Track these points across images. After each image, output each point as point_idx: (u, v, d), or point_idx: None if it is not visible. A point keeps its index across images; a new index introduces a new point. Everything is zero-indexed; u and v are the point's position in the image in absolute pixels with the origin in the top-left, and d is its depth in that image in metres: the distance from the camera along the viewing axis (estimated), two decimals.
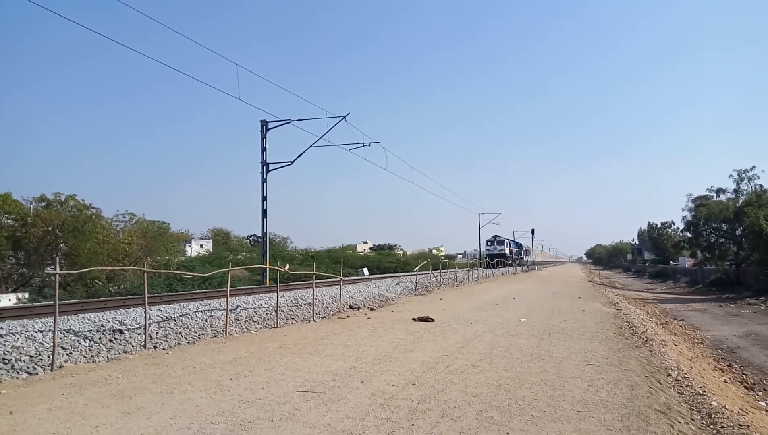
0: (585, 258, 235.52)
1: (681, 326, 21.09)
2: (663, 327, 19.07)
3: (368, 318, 15.05)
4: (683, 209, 46.17)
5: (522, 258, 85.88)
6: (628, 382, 7.52)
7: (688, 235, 47.50)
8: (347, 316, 15.48)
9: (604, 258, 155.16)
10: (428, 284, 28.26)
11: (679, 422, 6.17)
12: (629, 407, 6.28)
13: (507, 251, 70.87)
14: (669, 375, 8.97)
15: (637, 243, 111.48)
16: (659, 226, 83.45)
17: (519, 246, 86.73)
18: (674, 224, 74.29)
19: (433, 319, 14.18)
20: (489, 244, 70.91)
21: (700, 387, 8.97)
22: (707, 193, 44.73)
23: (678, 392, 7.95)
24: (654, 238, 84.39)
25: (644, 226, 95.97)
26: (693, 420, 6.62)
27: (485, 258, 62.26)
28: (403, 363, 8.65)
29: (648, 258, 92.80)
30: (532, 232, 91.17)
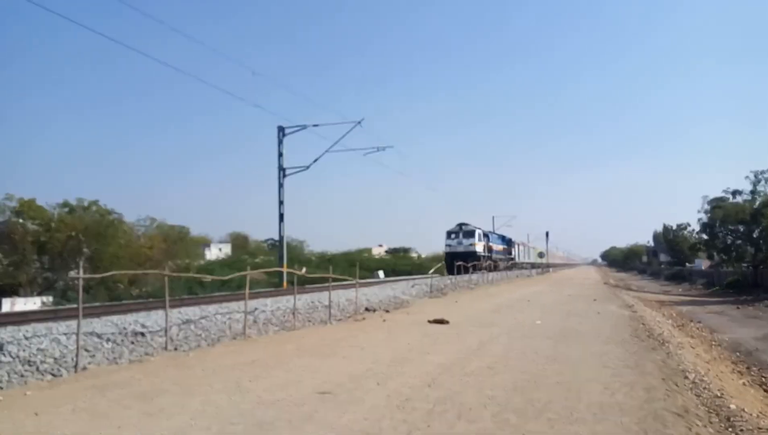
0: (600, 260, 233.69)
1: (698, 328, 20.83)
2: (679, 329, 18.88)
3: (384, 320, 15.11)
4: (699, 211, 45.60)
5: (512, 258, 63.44)
6: (644, 385, 7.50)
7: (704, 236, 46.97)
8: (363, 319, 15.55)
9: (619, 260, 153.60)
10: (443, 286, 28.23)
11: (697, 425, 6.14)
12: (646, 410, 6.27)
13: (479, 248, 45.44)
14: (686, 377, 8.90)
15: (653, 245, 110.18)
16: (675, 228, 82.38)
17: (507, 241, 63.01)
18: (690, 226, 73.27)
19: (448, 322, 14.20)
20: (452, 236, 45.42)
21: (718, 390, 8.87)
22: (723, 194, 44.15)
23: (695, 395, 7.87)
24: (669, 240, 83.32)
25: (659, 228, 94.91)
26: (711, 423, 6.56)
27: (444, 261, 45.03)
28: (419, 365, 8.70)
29: (663, 260, 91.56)
30: (546, 234, 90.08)
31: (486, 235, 49.26)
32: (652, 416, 6.03)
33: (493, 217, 69.26)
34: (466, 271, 35.78)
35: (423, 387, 7.22)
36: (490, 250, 49.56)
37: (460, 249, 43.16)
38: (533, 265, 74.55)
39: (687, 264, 70.14)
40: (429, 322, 14.31)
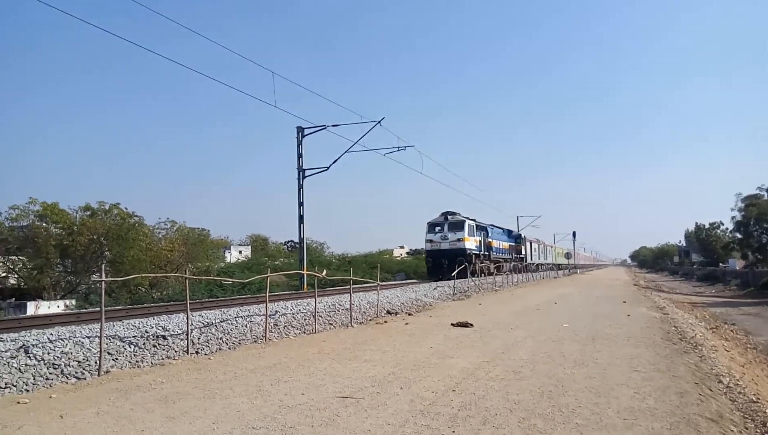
0: (629, 260, 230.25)
1: (732, 331, 20.29)
2: (713, 331, 18.39)
3: (406, 323, 14.99)
4: (732, 209, 44.75)
5: (523, 257, 51.87)
6: (676, 389, 7.26)
7: (738, 235, 46.04)
8: (385, 322, 15.45)
9: (649, 260, 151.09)
10: (466, 289, 27.97)
11: (732, 431, 5.93)
12: (678, 415, 6.06)
13: (471, 244, 35.39)
14: (720, 382, 8.63)
15: (684, 245, 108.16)
16: (707, 226, 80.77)
17: (515, 238, 51.80)
18: (723, 225, 71.86)
19: (472, 325, 14.02)
20: (435, 230, 35.45)
21: (754, 394, 8.60)
22: (758, 191, 43.21)
23: (730, 399, 7.64)
24: (702, 239, 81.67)
25: (691, 227, 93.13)
26: (746, 429, 6.35)
27: (426, 260, 36.99)
28: (443, 369, 8.57)
29: (696, 260, 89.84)
30: (573, 234, 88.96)
31: (483, 228, 39.63)
32: (684, 422, 5.83)
33: (518, 217, 68.48)
34: (457, 273, 28.63)
35: (447, 391, 7.09)
36: (488, 247, 40.05)
37: (445, 245, 34.27)
38: (558, 266, 72.42)
39: (720, 264, 68.68)
40: (452, 325, 14.15)
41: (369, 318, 16.08)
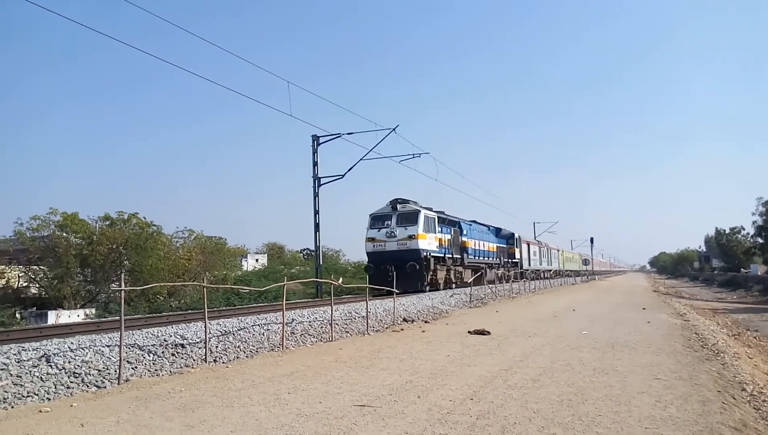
0: (648, 266, 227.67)
1: (755, 337, 19.94)
2: (735, 338, 18.08)
3: (423, 331, 14.94)
4: (754, 213, 44.10)
5: (516, 262, 42.62)
6: (699, 398, 7.15)
7: (760, 240, 45.33)
8: (401, 329, 15.41)
9: (669, 266, 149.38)
10: (483, 296, 27.77)
11: None
12: (701, 424, 5.96)
13: (429, 244, 25.53)
14: (744, 389, 8.49)
15: (705, 250, 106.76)
16: (728, 231, 79.70)
17: (506, 238, 42.36)
18: (744, 229, 70.84)
19: (489, 332, 13.93)
20: (381, 223, 25.53)
21: None
22: None
23: (754, 408, 7.52)
24: (722, 244, 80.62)
25: (711, 232, 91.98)
26: None
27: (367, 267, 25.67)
28: (460, 377, 8.52)
29: (716, 266, 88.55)
30: (591, 240, 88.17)
31: (454, 223, 30.00)
32: (707, 431, 5.74)
33: (534, 223, 67.95)
34: (408, 285, 22.78)
35: (465, 400, 7.05)
36: (462, 248, 30.63)
37: (391, 246, 24.76)
38: (569, 273, 70.96)
39: (742, 269, 67.55)
40: (469, 332, 14.07)
41: (385, 326, 16.05)
